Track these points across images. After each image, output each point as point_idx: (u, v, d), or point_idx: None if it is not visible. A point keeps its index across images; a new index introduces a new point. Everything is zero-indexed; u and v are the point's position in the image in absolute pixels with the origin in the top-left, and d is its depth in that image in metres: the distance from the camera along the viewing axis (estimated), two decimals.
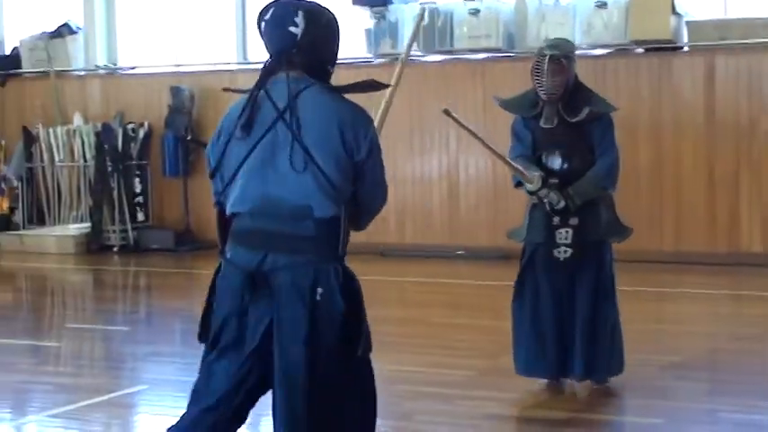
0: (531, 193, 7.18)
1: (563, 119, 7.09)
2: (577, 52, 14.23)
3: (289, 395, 4.40)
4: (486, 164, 14.30)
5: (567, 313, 7.30)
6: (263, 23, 4.56)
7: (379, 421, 4.68)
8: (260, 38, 4.60)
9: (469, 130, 7.18)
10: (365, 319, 4.54)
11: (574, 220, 7.21)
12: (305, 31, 4.46)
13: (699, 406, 7.59)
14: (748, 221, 13.81)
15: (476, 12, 15.01)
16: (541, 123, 7.19)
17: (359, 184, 4.53)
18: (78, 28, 17.80)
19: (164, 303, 13.07)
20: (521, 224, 7.57)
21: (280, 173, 4.42)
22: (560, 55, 7.05)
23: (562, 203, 7.12)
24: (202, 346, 4.69)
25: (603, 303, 7.33)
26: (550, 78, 6.96)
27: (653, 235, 14.03)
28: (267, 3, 4.53)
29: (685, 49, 14.29)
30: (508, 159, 7.16)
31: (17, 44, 18.13)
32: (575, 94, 7.15)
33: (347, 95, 4.58)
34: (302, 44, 4.47)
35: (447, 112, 6.82)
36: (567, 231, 7.21)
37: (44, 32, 17.77)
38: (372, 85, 4.93)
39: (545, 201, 7.19)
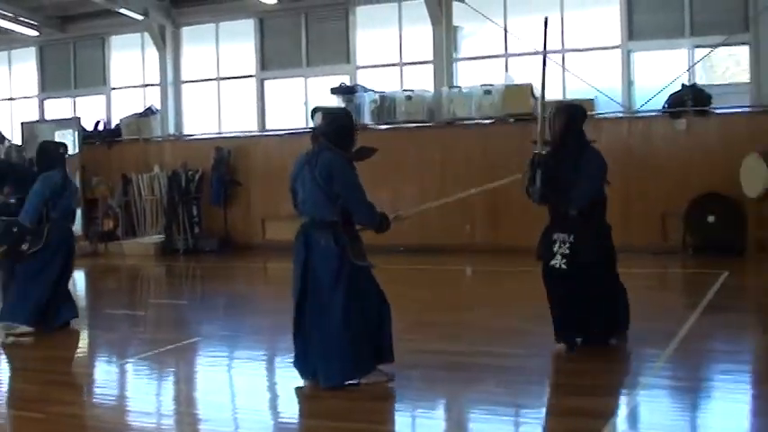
0: None
1: None
2: (473, 122, 14.53)
3: (321, 311, 5.90)
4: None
5: None
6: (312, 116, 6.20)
7: None
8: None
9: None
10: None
11: None
12: (323, 124, 5.97)
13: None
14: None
15: (410, 97, 15.10)
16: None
17: (342, 200, 5.88)
18: (157, 110, 17.84)
19: (211, 286, 13.01)
20: None
21: (308, 193, 5.97)
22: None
23: None
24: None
25: None
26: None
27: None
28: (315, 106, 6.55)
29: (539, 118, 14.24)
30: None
31: (119, 121, 18.12)
32: None
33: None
34: (323, 130, 5.95)
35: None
36: None
37: (136, 113, 17.83)
38: (366, 151, 6.01)
39: None
